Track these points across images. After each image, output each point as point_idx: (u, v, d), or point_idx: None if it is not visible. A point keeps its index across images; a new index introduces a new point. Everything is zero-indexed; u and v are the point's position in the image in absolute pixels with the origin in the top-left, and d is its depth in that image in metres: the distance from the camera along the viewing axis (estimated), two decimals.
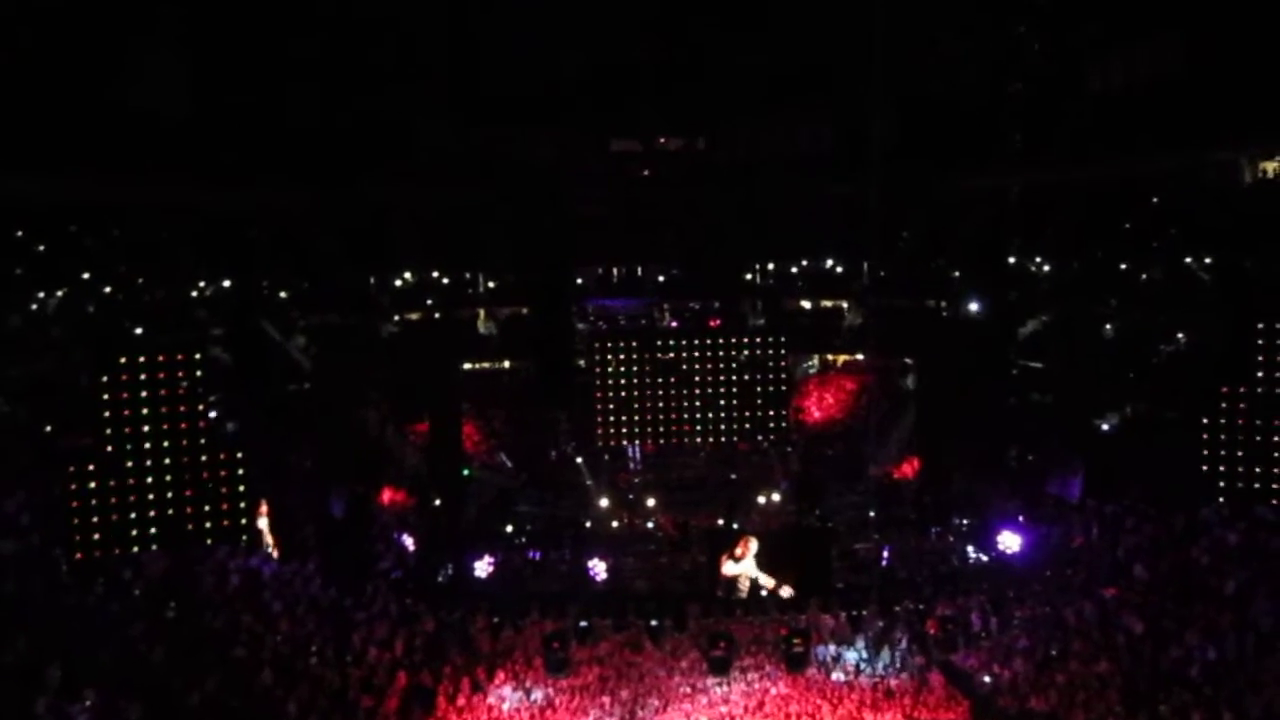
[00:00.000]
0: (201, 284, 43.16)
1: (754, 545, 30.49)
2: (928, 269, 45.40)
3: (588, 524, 36.72)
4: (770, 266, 51.59)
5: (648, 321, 50.07)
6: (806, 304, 51.60)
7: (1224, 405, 28.74)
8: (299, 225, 42.51)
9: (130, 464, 26.05)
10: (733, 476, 40.34)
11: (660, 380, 37.09)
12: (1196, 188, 38.73)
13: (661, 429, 37.43)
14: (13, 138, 31.61)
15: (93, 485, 25.77)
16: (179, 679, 23.67)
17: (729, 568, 30.49)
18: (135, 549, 26.44)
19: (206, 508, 26.97)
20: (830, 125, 48.04)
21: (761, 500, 38.26)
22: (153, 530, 26.37)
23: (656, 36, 42.72)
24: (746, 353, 37.28)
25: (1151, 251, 40.27)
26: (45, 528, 26.45)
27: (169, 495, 26.45)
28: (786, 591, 30.40)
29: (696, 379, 37.12)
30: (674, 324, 49.41)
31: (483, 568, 31.66)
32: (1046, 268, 43.80)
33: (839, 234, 47.82)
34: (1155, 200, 40.39)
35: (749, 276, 51.08)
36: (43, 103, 33.42)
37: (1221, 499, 29.16)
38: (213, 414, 28.50)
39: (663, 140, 50.04)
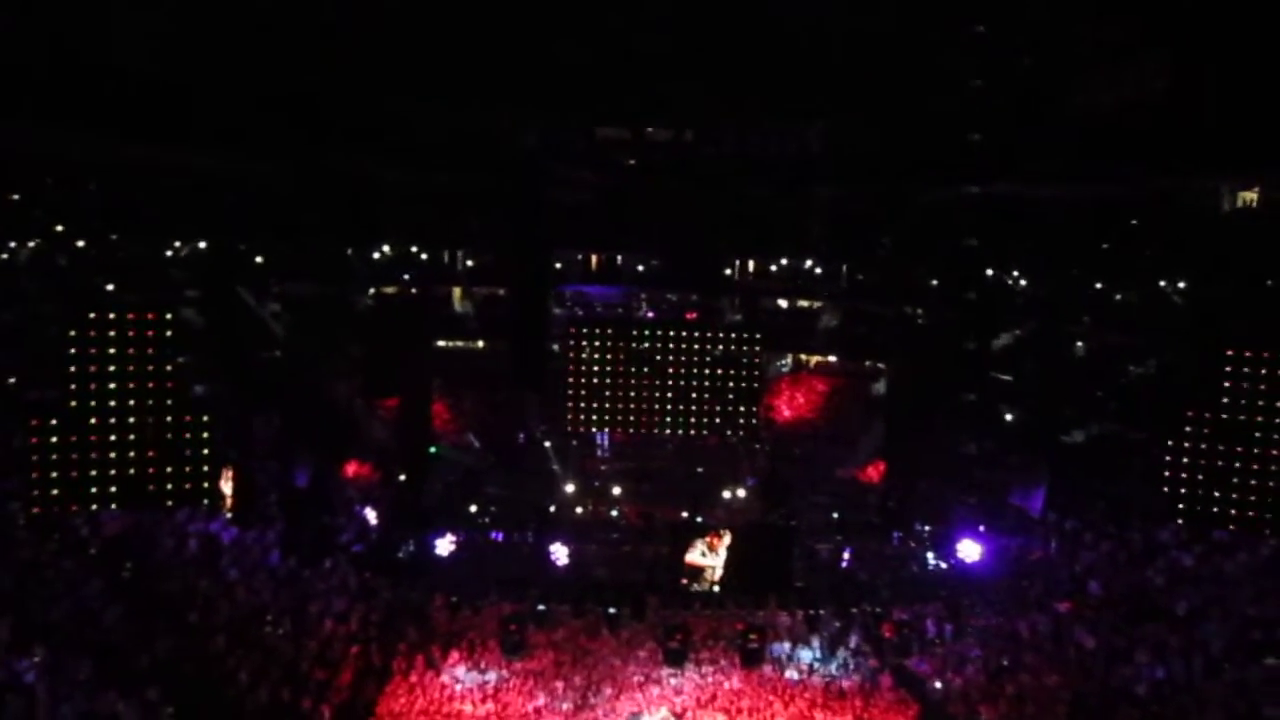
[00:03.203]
0: (177, 244, 42.70)
1: (728, 539, 30.49)
2: (906, 276, 45.61)
3: (552, 509, 36.70)
4: (750, 264, 51.66)
5: (624, 311, 50.06)
6: (784, 303, 51.75)
7: (1189, 429, 29.07)
8: (279, 192, 42.09)
9: (95, 421, 25.79)
10: (699, 470, 40.43)
11: (633, 370, 37.13)
12: (1175, 212, 39.11)
13: (632, 418, 37.50)
14: None
15: (55, 440, 25.50)
16: (130, 640, 23.50)
17: (698, 556, 30.40)
18: (94, 507, 26.19)
19: (169, 469, 26.74)
20: (818, 128, 48.14)
21: (727, 495, 38.40)
22: (113, 489, 26.12)
23: (652, 28, 42.54)
24: (721, 348, 37.36)
25: (1127, 273, 40.61)
26: (3, 481, 26.17)
27: (132, 454, 26.21)
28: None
29: (670, 371, 37.18)
30: (651, 315, 49.44)
31: (444, 546, 31.61)
32: (1023, 282, 44.11)
33: (820, 236, 47.99)
34: (1134, 222, 40.73)
35: (728, 272, 51.16)
36: (20, 55, 32.90)
37: (1180, 521, 29.54)
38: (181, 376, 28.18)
39: (651, 130, 49.92)
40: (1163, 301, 39.70)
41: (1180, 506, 29.24)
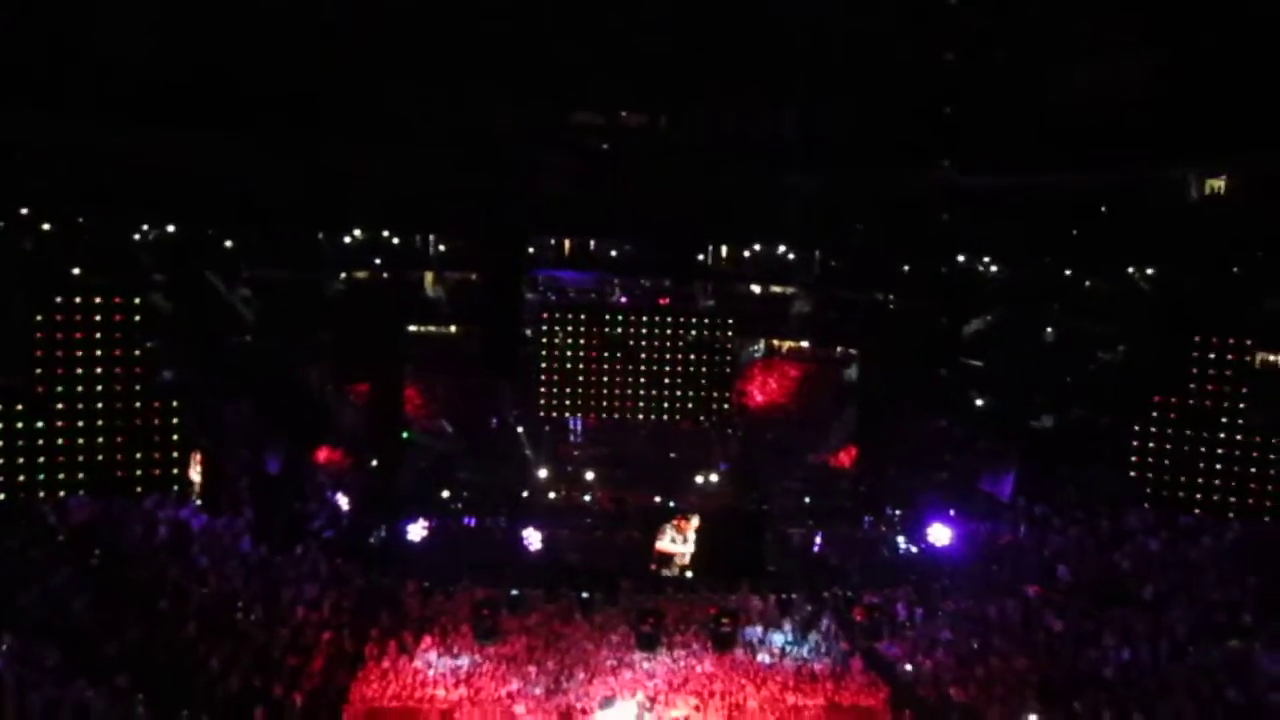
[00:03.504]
0: (145, 227, 42.18)
1: (695, 523, 30.59)
2: (878, 262, 45.77)
3: (525, 494, 36.70)
4: (723, 249, 51.66)
5: (598, 296, 49.92)
6: (756, 289, 51.80)
7: (1155, 415, 29.42)
8: (248, 176, 41.63)
9: (61, 406, 25.49)
10: (672, 455, 40.51)
11: (606, 355, 37.09)
12: (1144, 200, 39.44)
13: (605, 403, 37.48)
14: None
15: (20, 426, 25.19)
16: (99, 628, 23.32)
17: (668, 544, 30.54)
18: (62, 493, 25.92)
19: (138, 456, 26.49)
20: (791, 114, 48.10)
21: (700, 480, 38.49)
22: (81, 475, 25.85)
23: (625, 11, 42.32)
24: (694, 333, 37.39)
25: (1096, 260, 40.95)
26: None
27: (100, 441, 25.94)
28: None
29: (643, 356, 37.16)
30: (624, 300, 49.37)
31: (417, 532, 31.54)
32: (995, 269, 44.38)
33: (793, 222, 48.00)
34: (1103, 209, 41.04)
35: (701, 258, 51.14)
36: None
37: (1147, 505, 29.92)
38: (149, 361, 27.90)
39: (625, 115, 49.70)
40: (1131, 288, 40.10)
41: (1147, 491, 29.62)
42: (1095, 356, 39.29)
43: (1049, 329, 41.23)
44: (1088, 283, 41.97)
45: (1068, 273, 42.03)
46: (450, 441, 41.36)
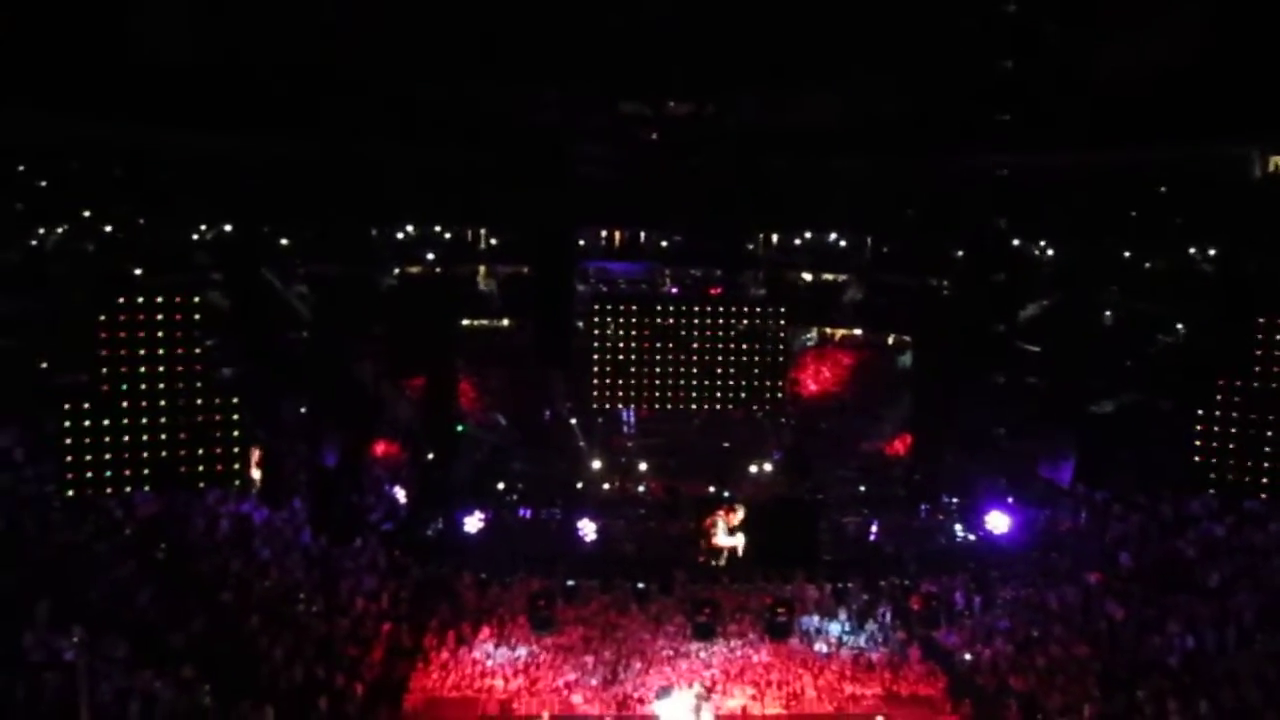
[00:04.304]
0: (203, 228, 42.94)
1: (740, 514, 30.50)
2: (931, 247, 45.29)
3: (579, 485, 36.84)
4: (774, 237, 51.42)
5: (648, 286, 49.98)
6: (808, 276, 51.52)
7: (1219, 398, 28.81)
8: (301, 174, 42.21)
9: (125, 404, 26.01)
10: (725, 445, 40.42)
11: (658, 346, 37.07)
12: (1205, 179, 38.59)
13: (657, 394, 37.47)
14: (18, 75, 31.30)
15: (87, 424, 25.75)
16: (165, 619, 23.82)
17: (721, 538, 30.48)
18: (127, 489, 26.47)
19: (200, 451, 26.98)
20: (839, 99, 47.65)
21: (753, 470, 38.41)
22: (145, 471, 26.38)
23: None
24: (746, 323, 37.24)
25: (1156, 241, 40.16)
26: (39, 465, 26.51)
27: (163, 437, 26.45)
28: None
29: (694, 346, 37.10)
30: (674, 290, 49.32)
31: (473, 524, 31.74)
32: (1050, 252, 43.69)
33: (844, 208, 47.66)
34: (1162, 189, 40.24)
35: (752, 246, 50.93)
36: (49, 42, 33.05)
37: (1211, 491, 29.30)
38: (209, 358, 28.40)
39: (672, 104, 49.58)
40: (1192, 269, 39.27)
41: (1211, 476, 29.02)
42: (1155, 339, 38.54)
43: (1107, 312, 40.52)
44: (1147, 264, 41.15)
45: (1126, 254, 41.26)
46: (504, 434, 41.65)
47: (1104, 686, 23.71)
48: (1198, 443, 29.08)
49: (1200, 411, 29.04)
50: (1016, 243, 42.75)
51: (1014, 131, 38.60)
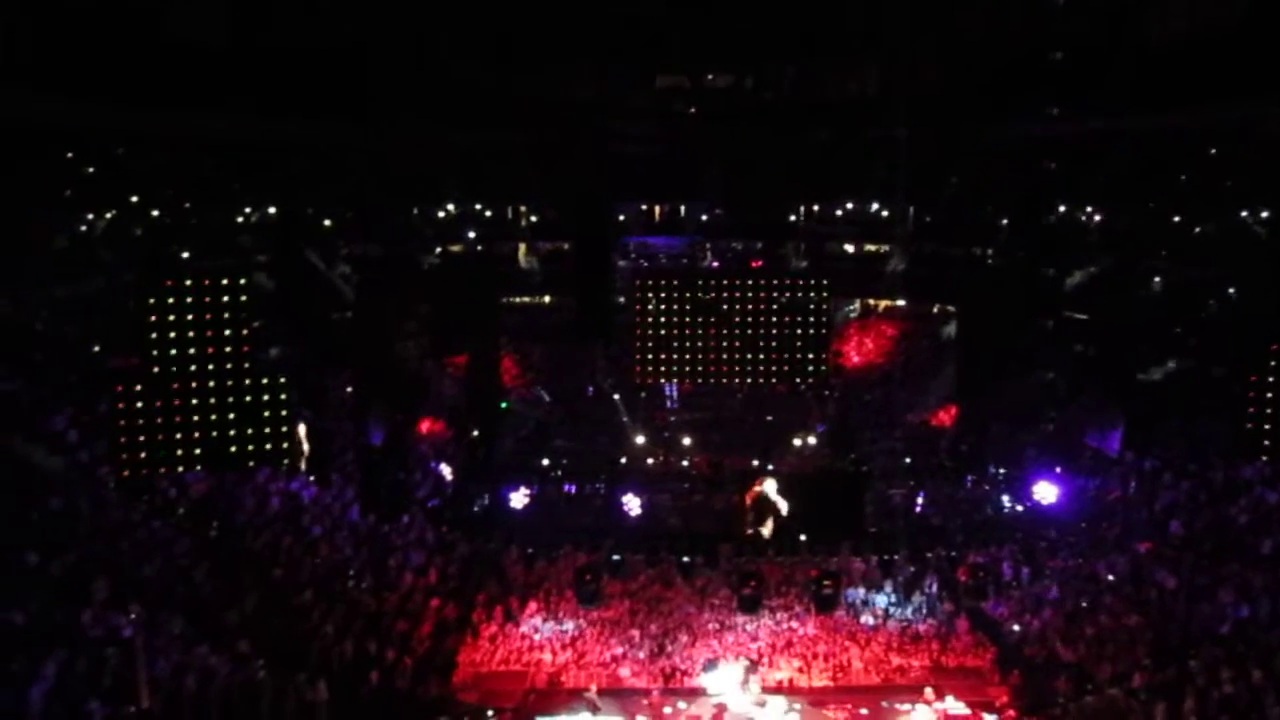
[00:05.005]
0: (247, 210, 43.38)
1: (769, 484, 30.15)
2: (973, 216, 44.70)
3: (623, 460, 36.98)
4: (814, 209, 51.01)
5: (689, 261, 49.83)
6: (849, 247, 51.10)
7: (1273, 363, 28.20)
8: (341, 156, 42.47)
9: (175, 386, 26.37)
10: (769, 418, 40.37)
11: (700, 320, 36.93)
12: (1256, 140, 37.65)
13: (699, 369, 37.27)
14: (60, 62, 31.65)
15: (139, 405, 26.14)
16: (220, 596, 24.28)
17: (772, 493, 30.07)
18: (180, 469, 26.90)
19: (249, 431, 27.32)
20: (878, 66, 47.08)
21: (797, 443, 38.37)
22: (196, 451, 26.76)
23: None
24: (787, 295, 37.00)
25: (1206, 204, 39.35)
26: (93, 446, 27.01)
27: (213, 417, 26.77)
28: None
29: (736, 320, 36.89)
30: (715, 264, 49.16)
31: (518, 499, 31.97)
32: (1097, 217, 42.98)
33: (884, 178, 47.13)
34: (1213, 152, 39.33)
35: (792, 218, 50.57)
36: (89, 29, 33.37)
37: (1264, 458, 28.75)
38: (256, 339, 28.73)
39: (710, 77, 49.22)
40: (1244, 233, 38.42)
41: (1265, 443, 28.46)
42: (1206, 304, 37.81)
43: (1156, 278, 39.83)
44: (1197, 228, 40.34)
45: (1176, 218, 40.47)
46: (547, 410, 41.87)
47: (1155, 656, 23.52)
48: (1250, 409, 28.46)
49: (1253, 377, 28.41)
50: (1062, 208, 42.15)
51: (1060, 97, 37.98)
